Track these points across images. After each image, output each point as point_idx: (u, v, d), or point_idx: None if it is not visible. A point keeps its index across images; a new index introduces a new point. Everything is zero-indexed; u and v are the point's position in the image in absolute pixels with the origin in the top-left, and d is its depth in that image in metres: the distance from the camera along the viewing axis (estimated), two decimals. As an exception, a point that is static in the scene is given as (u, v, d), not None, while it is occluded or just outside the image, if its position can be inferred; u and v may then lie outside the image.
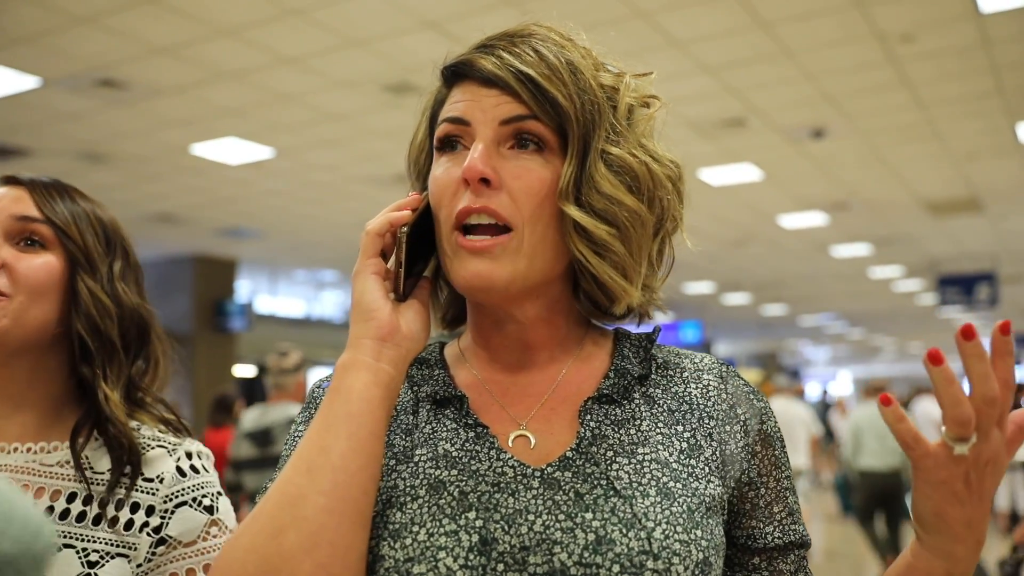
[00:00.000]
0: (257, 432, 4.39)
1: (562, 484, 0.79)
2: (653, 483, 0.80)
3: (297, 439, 0.90)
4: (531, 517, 0.77)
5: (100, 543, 1.05)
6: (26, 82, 5.93)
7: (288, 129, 7.11)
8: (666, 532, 0.76)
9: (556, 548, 0.75)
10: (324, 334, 16.41)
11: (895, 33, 5.30)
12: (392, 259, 0.84)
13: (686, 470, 0.82)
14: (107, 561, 1.04)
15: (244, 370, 14.52)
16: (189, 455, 1.13)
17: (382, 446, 0.78)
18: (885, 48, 5.50)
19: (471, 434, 0.84)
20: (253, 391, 14.70)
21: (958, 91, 6.33)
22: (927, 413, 9.06)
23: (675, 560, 0.74)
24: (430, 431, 0.86)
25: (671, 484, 0.80)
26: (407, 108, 6.61)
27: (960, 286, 12.87)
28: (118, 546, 1.05)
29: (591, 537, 0.75)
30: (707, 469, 0.83)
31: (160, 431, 1.15)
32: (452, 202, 0.83)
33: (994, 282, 12.66)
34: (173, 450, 1.12)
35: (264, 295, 17.19)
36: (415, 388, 0.91)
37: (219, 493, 1.12)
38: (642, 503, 0.78)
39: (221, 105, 6.52)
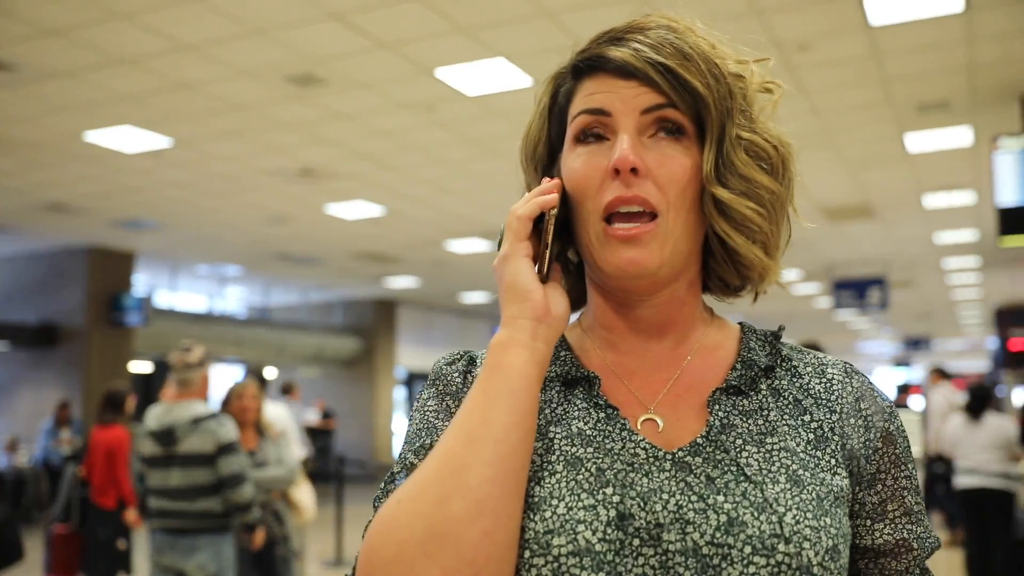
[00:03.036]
0: (160, 432, 4.32)
1: (693, 468, 0.81)
2: (783, 471, 0.82)
3: (427, 414, 0.91)
4: (665, 496, 0.79)
5: None
6: (-97, 60, 5.62)
7: (188, 118, 6.91)
8: (797, 518, 0.77)
9: (689, 527, 0.77)
10: (226, 330, 15.96)
11: (792, 41, 5.46)
12: (539, 241, 0.89)
13: (813, 460, 0.84)
14: None
15: (140, 366, 14.07)
16: None
17: (535, 423, 0.81)
18: (783, 56, 5.66)
19: (601, 415, 0.87)
20: (150, 387, 14.28)
21: (851, 100, 6.57)
22: (945, 397, 9.61)
23: (806, 545, 0.76)
24: (561, 411, 0.88)
25: (800, 472, 0.82)
26: (311, 100, 6.50)
27: (853, 290, 13.39)
28: None
29: (723, 519, 0.77)
30: (833, 460, 0.85)
31: None
32: (599, 193, 0.86)
33: (884, 286, 13.21)
34: None
35: (163, 289, 16.69)
36: None
37: None
38: (772, 489, 0.79)
39: (117, 91, 6.30)
